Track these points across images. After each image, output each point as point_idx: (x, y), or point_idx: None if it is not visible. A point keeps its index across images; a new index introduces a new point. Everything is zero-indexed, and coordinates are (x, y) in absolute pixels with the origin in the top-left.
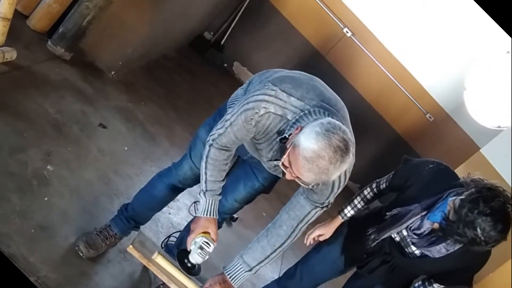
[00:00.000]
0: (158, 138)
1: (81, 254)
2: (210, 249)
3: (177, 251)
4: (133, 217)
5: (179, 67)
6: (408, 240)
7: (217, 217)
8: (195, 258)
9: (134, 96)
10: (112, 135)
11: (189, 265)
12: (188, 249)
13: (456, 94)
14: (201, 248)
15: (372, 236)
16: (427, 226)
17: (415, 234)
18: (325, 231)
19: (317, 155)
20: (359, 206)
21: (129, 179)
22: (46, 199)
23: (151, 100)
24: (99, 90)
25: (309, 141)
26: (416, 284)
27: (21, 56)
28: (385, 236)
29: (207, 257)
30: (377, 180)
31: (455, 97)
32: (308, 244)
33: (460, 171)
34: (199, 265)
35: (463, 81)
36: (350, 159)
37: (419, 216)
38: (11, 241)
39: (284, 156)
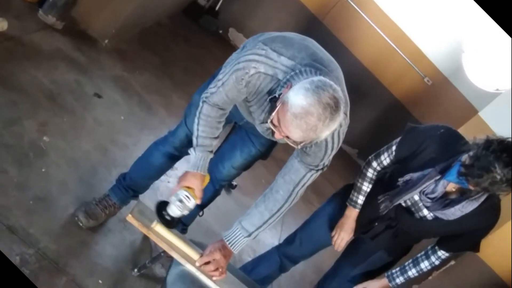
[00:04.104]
0: (154, 106)
1: (81, 224)
2: (190, 204)
3: (157, 202)
4: (131, 186)
5: (174, 35)
6: (420, 204)
7: (206, 173)
8: (172, 210)
9: (128, 65)
10: (108, 104)
11: (167, 217)
12: (169, 200)
13: (454, 57)
14: (180, 201)
15: (384, 204)
16: (441, 189)
17: (428, 198)
18: (346, 231)
19: (306, 111)
20: (368, 190)
21: (126, 149)
22: (43, 170)
23: (146, 69)
24: (92, 59)
25: (298, 97)
26: (419, 254)
27: (12, 27)
28: (398, 202)
29: (185, 211)
30: (375, 157)
31: (454, 60)
32: (340, 250)
33: None
34: (179, 218)
35: (462, 44)
36: (340, 118)
37: (433, 180)
38: (10, 214)
39: (273, 114)
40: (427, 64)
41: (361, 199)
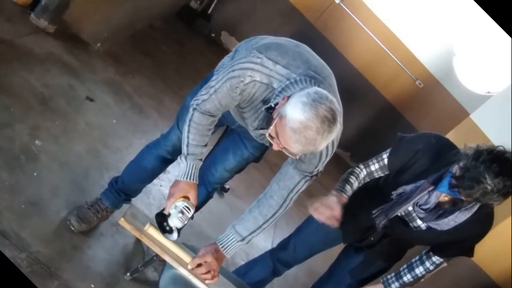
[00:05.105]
0: (146, 110)
1: (73, 228)
2: (190, 215)
3: (155, 214)
4: (124, 189)
5: (166, 38)
6: (414, 215)
7: (197, 182)
8: (174, 222)
9: (121, 68)
10: (100, 108)
11: (167, 228)
12: (167, 213)
13: (445, 60)
14: (181, 212)
15: (379, 218)
16: (434, 200)
17: (422, 209)
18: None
19: (304, 126)
20: (355, 185)
21: (119, 152)
22: (35, 174)
23: (139, 72)
24: (85, 63)
25: (295, 111)
26: (414, 260)
27: (4, 30)
28: (393, 216)
29: (186, 222)
30: (363, 163)
31: (445, 63)
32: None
33: (450, 137)
34: (177, 229)
35: (453, 46)
36: (338, 129)
37: (426, 191)
38: (2, 217)
39: (271, 127)
40: (419, 67)
41: (348, 188)
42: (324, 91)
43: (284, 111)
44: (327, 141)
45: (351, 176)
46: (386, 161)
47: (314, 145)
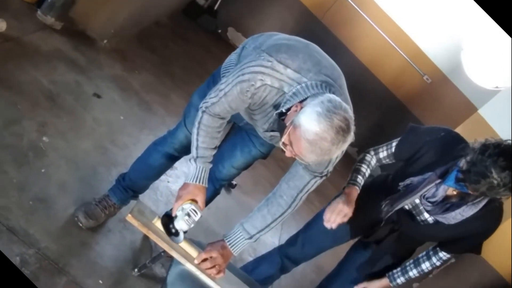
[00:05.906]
0: (153, 106)
1: (81, 225)
2: (197, 218)
3: (161, 216)
4: (131, 186)
5: (173, 34)
6: (421, 208)
7: (206, 185)
8: (180, 224)
9: (127, 65)
10: (107, 104)
11: (173, 231)
12: (174, 215)
13: (453, 55)
14: (188, 215)
15: (386, 208)
16: (442, 193)
17: (429, 202)
18: (348, 205)
19: (320, 137)
20: (366, 173)
21: (126, 148)
22: (43, 170)
23: (145, 68)
24: (92, 60)
25: (311, 122)
26: (420, 255)
27: (11, 27)
28: (399, 207)
29: (192, 225)
30: (373, 149)
31: (453, 58)
32: (335, 227)
33: (459, 132)
34: (183, 232)
35: (461, 41)
36: (351, 137)
37: (433, 184)
38: (10, 214)
39: (285, 136)
40: (426, 62)
41: (360, 179)
42: (338, 99)
43: (298, 121)
44: (341, 150)
45: (363, 165)
46: (394, 149)
47: (328, 155)
